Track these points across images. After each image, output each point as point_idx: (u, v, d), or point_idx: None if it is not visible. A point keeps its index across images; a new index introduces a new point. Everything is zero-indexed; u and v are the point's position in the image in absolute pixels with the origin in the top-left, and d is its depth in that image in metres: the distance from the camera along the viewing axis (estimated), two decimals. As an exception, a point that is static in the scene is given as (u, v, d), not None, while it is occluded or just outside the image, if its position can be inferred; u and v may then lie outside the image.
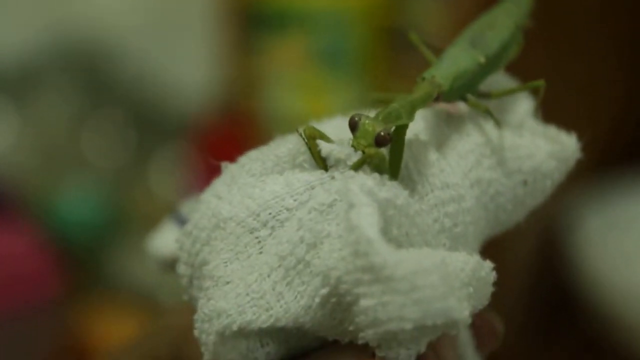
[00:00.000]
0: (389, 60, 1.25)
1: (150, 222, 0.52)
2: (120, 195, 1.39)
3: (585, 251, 1.07)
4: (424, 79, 0.41)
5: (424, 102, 0.40)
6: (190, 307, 0.40)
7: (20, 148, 1.38)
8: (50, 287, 1.20)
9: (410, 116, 0.39)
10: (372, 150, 0.37)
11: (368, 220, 0.35)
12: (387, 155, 0.38)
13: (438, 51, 0.44)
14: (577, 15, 1.09)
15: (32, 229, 1.25)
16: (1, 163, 1.35)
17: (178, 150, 1.40)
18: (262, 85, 1.33)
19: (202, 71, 1.45)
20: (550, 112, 0.44)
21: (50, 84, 1.42)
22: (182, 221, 0.47)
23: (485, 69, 0.43)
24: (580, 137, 0.43)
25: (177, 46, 1.48)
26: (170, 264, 0.47)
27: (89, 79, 1.45)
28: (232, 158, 0.41)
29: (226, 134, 1.32)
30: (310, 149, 0.39)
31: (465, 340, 0.42)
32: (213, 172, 0.41)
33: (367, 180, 0.37)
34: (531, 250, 1.11)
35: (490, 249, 0.41)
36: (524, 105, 0.44)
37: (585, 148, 0.43)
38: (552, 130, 0.43)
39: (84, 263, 1.34)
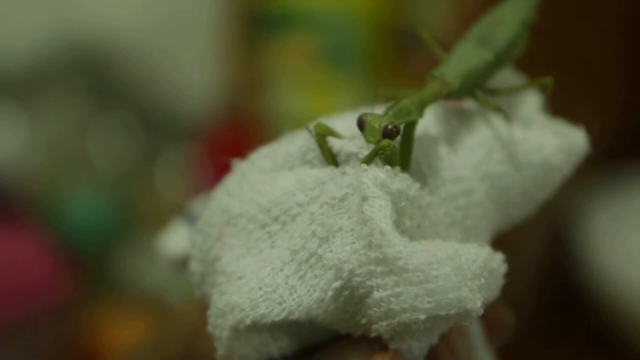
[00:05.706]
0: (395, 59, 1.25)
1: (159, 224, 0.52)
2: (128, 197, 1.39)
3: (593, 246, 1.07)
4: (434, 76, 0.41)
5: (433, 100, 0.40)
6: (201, 305, 0.41)
7: (27, 152, 1.38)
8: (59, 291, 1.20)
9: (421, 112, 0.39)
10: (384, 142, 0.37)
11: (381, 213, 0.36)
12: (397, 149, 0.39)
13: (447, 48, 0.44)
14: (584, 8, 1.09)
15: (40, 233, 1.25)
16: (8, 167, 1.35)
17: (185, 152, 1.40)
18: (268, 85, 1.33)
19: (208, 72, 1.46)
20: (558, 107, 0.44)
21: (56, 87, 1.42)
22: (192, 220, 0.47)
23: (494, 66, 0.43)
24: (588, 132, 0.43)
25: (182, 48, 1.48)
26: (180, 263, 0.47)
27: (95, 82, 1.45)
28: (238, 159, 0.41)
29: (232, 135, 1.32)
30: (320, 146, 0.39)
31: (476, 332, 0.43)
32: (220, 172, 0.41)
33: (380, 172, 0.37)
34: (538, 244, 1.11)
35: (497, 244, 0.41)
36: (532, 101, 0.44)
37: (592, 143, 0.43)
38: (561, 125, 0.43)
39: (92, 266, 1.34)
